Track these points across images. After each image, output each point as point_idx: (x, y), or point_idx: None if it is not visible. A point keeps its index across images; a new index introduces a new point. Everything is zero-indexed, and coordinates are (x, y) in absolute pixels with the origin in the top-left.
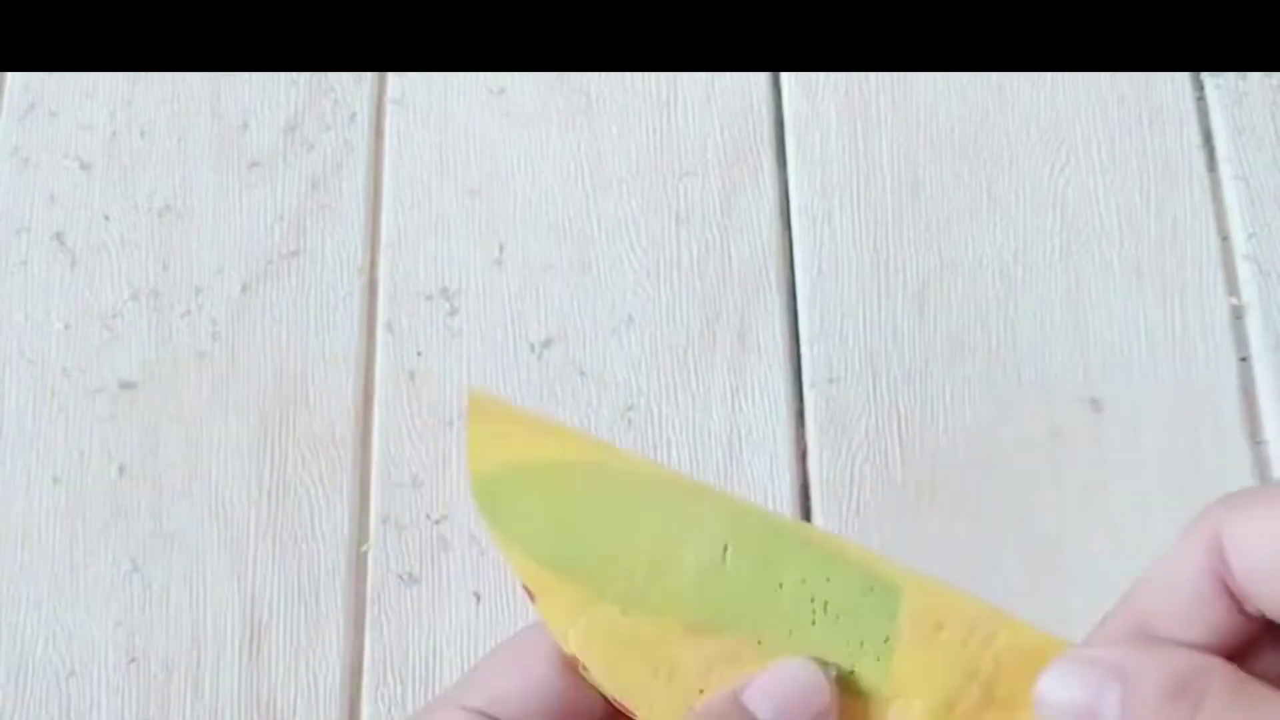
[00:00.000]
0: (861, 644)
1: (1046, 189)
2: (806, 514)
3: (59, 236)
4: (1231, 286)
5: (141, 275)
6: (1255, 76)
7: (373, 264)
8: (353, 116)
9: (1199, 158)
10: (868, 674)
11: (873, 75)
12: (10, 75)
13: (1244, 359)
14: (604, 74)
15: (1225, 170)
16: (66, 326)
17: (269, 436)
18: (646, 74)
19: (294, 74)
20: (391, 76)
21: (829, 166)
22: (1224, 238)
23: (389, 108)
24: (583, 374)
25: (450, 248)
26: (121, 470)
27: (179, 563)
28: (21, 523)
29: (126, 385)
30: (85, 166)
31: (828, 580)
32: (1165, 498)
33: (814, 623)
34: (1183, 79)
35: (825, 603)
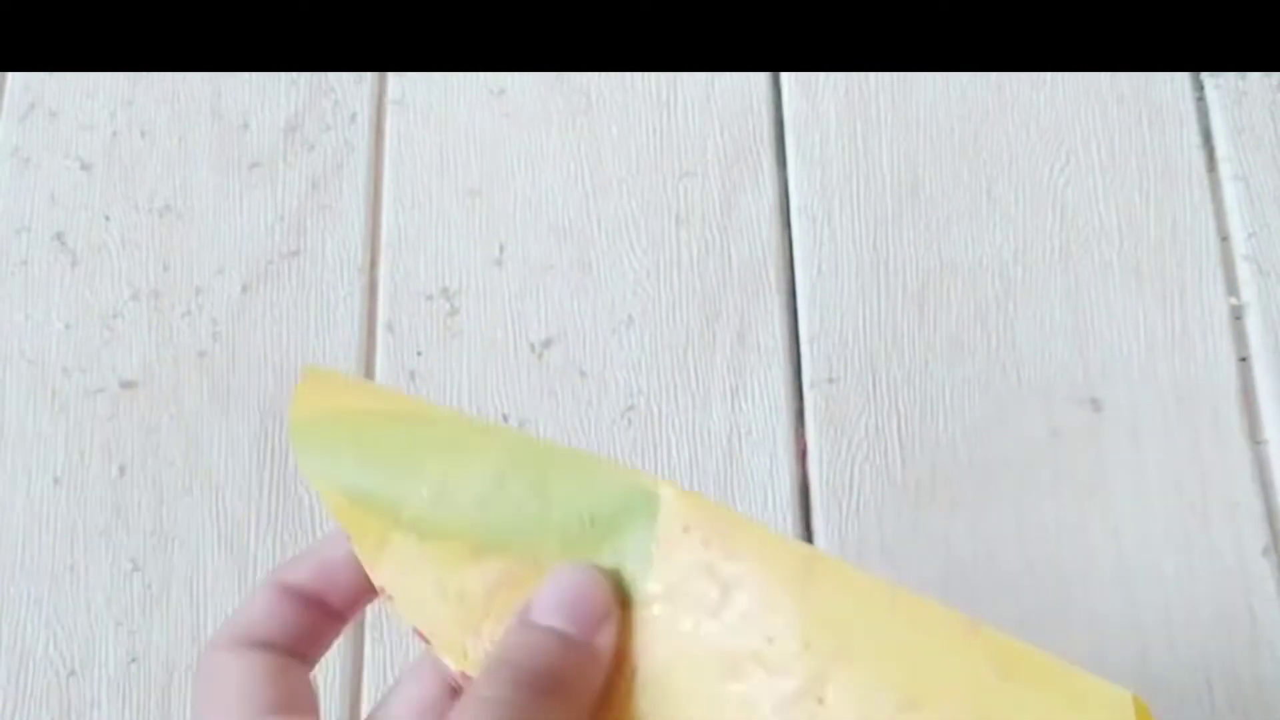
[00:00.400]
0: (627, 552)
1: (1046, 189)
2: (806, 514)
3: (59, 236)
4: (1231, 286)
5: (142, 275)
6: (1255, 76)
7: (373, 264)
8: (353, 117)
9: (1198, 158)
10: (637, 580)
11: (872, 75)
12: (10, 75)
13: (1243, 359)
14: (604, 74)
15: (1225, 170)
16: (67, 326)
17: (269, 436)
18: (646, 74)
19: (294, 74)
20: (392, 77)
21: (829, 166)
22: (1223, 238)
23: (389, 108)
24: (583, 374)
25: (450, 248)
26: (122, 470)
27: (179, 562)
28: (22, 522)
29: (127, 385)
30: (86, 166)
31: (594, 496)
32: (1165, 497)
33: (584, 536)
34: (1182, 79)
35: (592, 517)
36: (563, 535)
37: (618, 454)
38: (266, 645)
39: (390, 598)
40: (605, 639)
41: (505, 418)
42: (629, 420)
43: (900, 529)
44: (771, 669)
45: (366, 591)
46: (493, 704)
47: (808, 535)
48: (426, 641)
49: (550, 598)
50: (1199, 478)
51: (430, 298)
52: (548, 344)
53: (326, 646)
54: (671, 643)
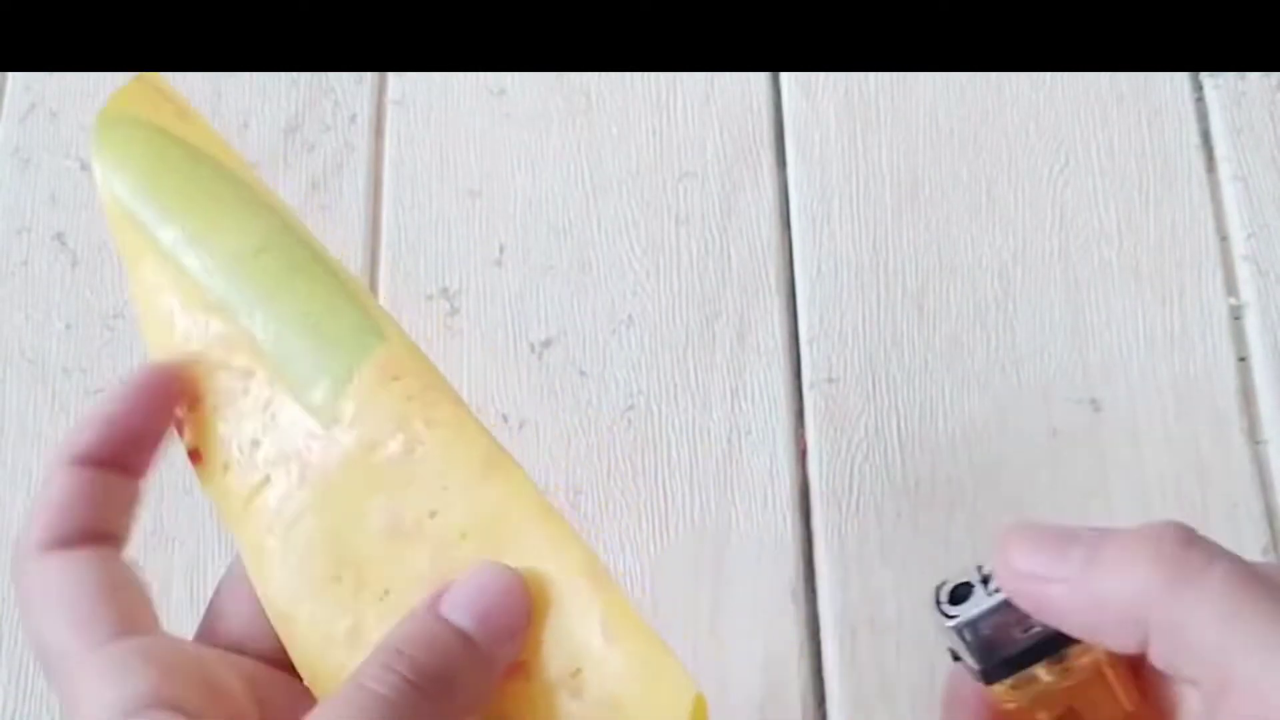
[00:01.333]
0: (325, 370)
1: (1045, 189)
2: (806, 514)
3: (60, 237)
4: (1230, 287)
5: None
6: (1254, 76)
7: (373, 264)
8: (353, 117)
9: (1198, 158)
10: (331, 394)
11: (872, 75)
12: (11, 75)
13: (1243, 359)
14: (604, 74)
15: (1224, 170)
16: (67, 326)
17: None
18: (646, 74)
19: (294, 74)
20: (392, 77)
21: (828, 167)
22: (1223, 238)
23: (389, 108)
24: (583, 374)
25: (450, 248)
26: None
27: (180, 562)
28: (23, 522)
29: None
30: (86, 167)
31: (328, 303)
32: (1164, 498)
33: (300, 329)
34: (1181, 79)
35: (317, 320)
36: (282, 324)
37: (618, 454)
38: (83, 536)
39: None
40: (510, 651)
41: (505, 418)
42: (629, 420)
43: (900, 529)
44: (430, 539)
45: (157, 440)
46: (379, 700)
47: (808, 535)
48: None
49: (467, 596)
50: (1198, 477)
51: (430, 298)
52: (548, 344)
53: (134, 517)
54: (349, 458)
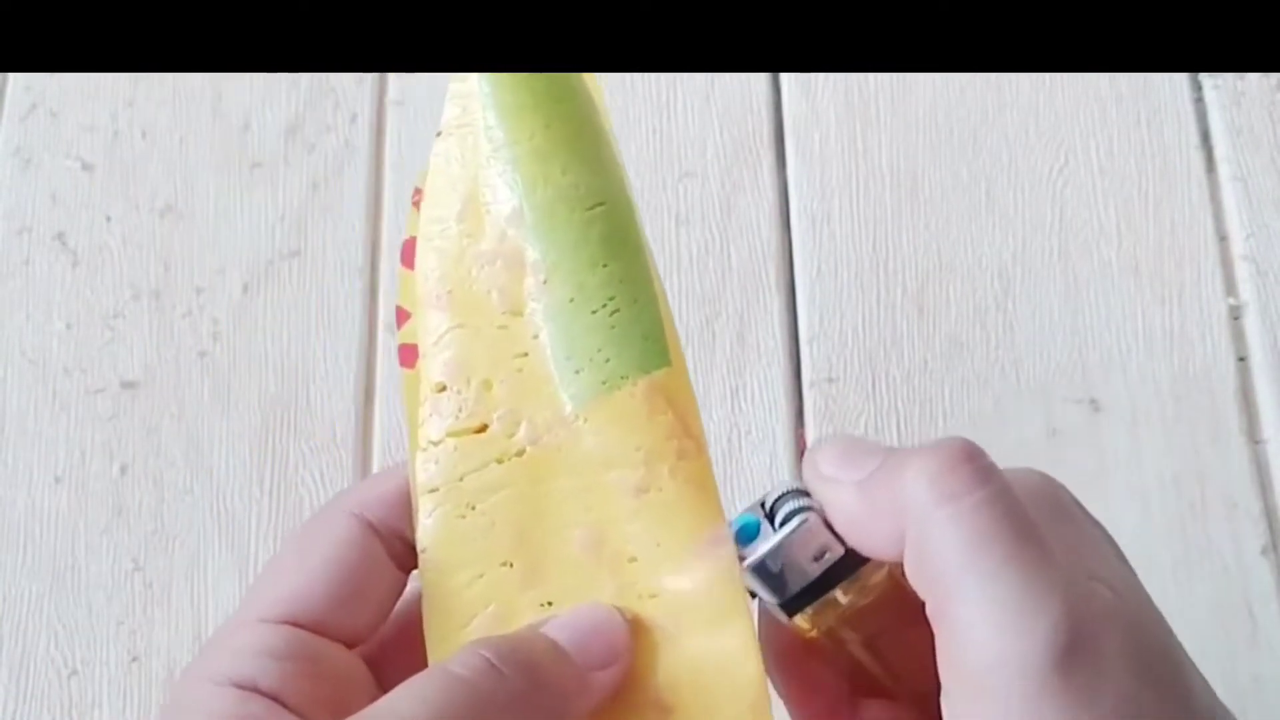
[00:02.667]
0: (600, 362)
1: (1045, 189)
2: None
3: (61, 237)
4: (1230, 287)
5: (143, 275)
6: (1253, 77)
7: (374, 264)
8: (354, 117)
9: (1197, 158)
10: (579, 387)
11: (872, 76)
12: (12, 76)
13: (1242, 359)
14: (604, 75)
15: (1223, 171)
16: (68, 326)
17: (270, 436)
18: (646, 75)
19: (295, 75)
20: (392, 77)
21: (828, 167)
22: (1222, 238)
23: (390, 109)
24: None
25: None
26: (123, 470)
27: (180, 562)
28: (24, 522)
29: (128, 385)
30: (87, 167)
31: (634, 297)
32: (1163, 497)
33: (594, 309)
34: (1181, 79)
35: (617, 309)
36: (580, 284)
37: None
38: (251, 687)
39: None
40: (601, 678)
41: None
42: None
43: None
44: (619, 580)
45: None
46: (461, 682)
47: None
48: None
49: (566, 620)
50: (1197, 477)
51: None
52: None
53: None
54: (580, 461)
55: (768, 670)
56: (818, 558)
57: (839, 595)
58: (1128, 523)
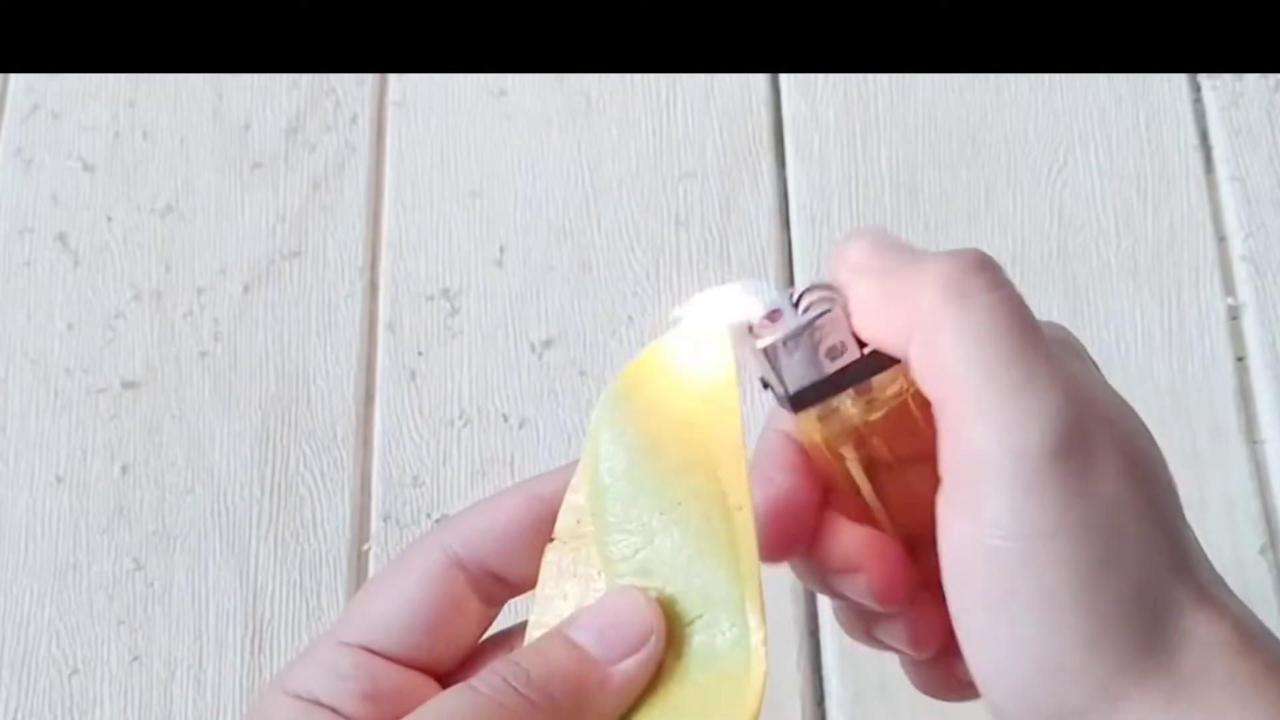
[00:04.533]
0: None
1: (1044, 190)
2: None
3: (62, 237)
4: (1228, 287)
5: (144, 276)
6: (1251, 78)
7: (374, 264)
8: (354, 118)
9: (1196, 159)
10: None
11: (871, 76)
12: (13, 77)
13: (1240, 359)
14: (604, 75)
15: (1222, 171)
16: (70, 327)
17: (271, 435)
18: (646, 75)
19: (296, 75)
20: (393, 78)
21: (828, 167)
22: (1221, 238)
23: (390, 109)
24: (583, 374)
25: (451, 248)
26: (124, 469)
27: (181, 561)
28: (25, 521)
29: (129, 385)
30: (88, 167)
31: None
32: None
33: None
34: (1179, 80)
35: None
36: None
37: None
38: (313, 700)
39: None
40: (630, 666)
41: (505, 418)
42: None
43: None
44: None
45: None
46: (479, 696)
47: None
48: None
49: (591, 615)
50: (1196, 477)
51: (431, 298)
52: (548, 344)
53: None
54: None
55: (755, 464)
56: (833, 354)
57: (848, 402)
58: None
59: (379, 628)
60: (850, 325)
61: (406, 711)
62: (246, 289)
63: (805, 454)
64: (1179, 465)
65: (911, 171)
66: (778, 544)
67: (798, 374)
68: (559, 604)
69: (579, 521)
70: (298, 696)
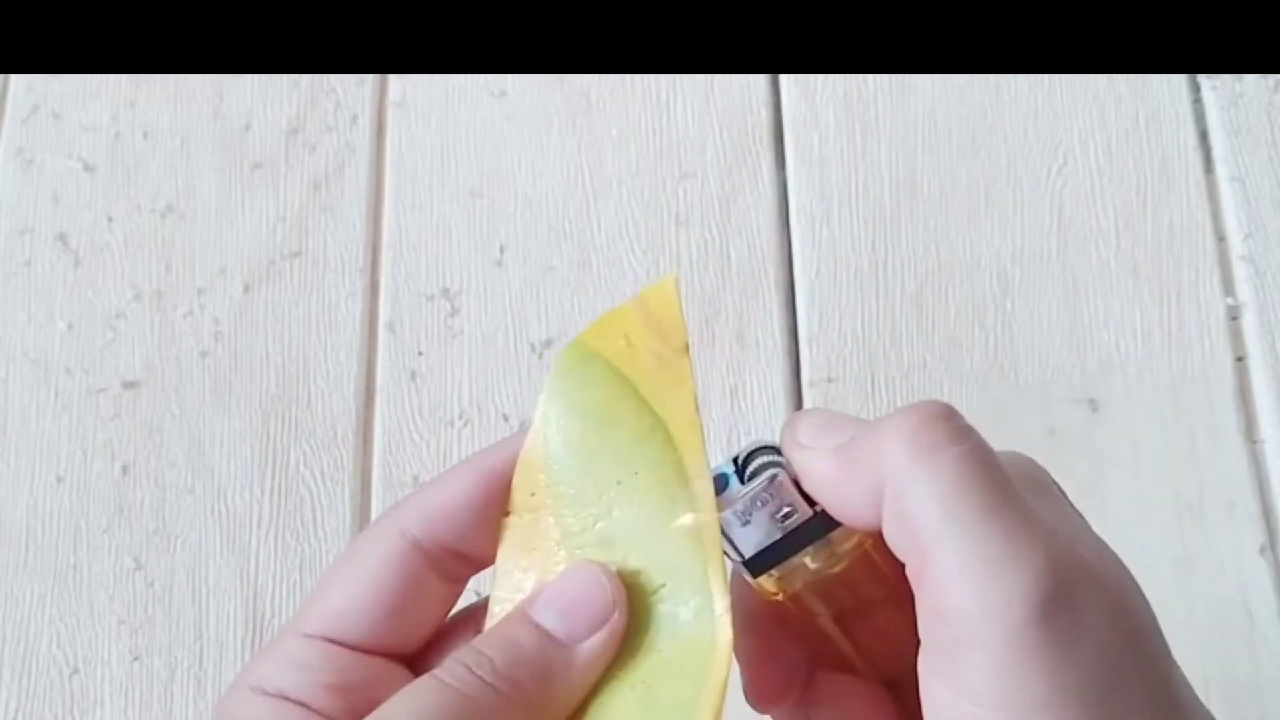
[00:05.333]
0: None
1: (1044, 190)
2: None
3: (62, 237)
4: (1228, 287)
5: (144, 276)
6: (1251, 78)
7: (374, 265)
8: (354, 118)
9: (1195, 159)
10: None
11: (871, 77)
12: (14, 77)
13: (1240, 359)
14: (604, 76)
15: (1221, 171)
16: (70, 326)
17: (271, 435)
18: (646, 76)
19: (296, 76)
20: (393, 78)
21: (827, 168)
22: (1220, 238)
23: (390, 109)
24: None
25: (451, 249)
26: (125, 469)
27: (182, 561)
28: (25, 521)
29: (130, 385)
30: (89, 168)
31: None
32: (1161, 497)
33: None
34: (1179, 80)
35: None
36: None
37: None
38: (280, 695)
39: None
40: (594, 643)
41: (505, 418)
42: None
43: None
44: None
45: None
46: (452, 693)
47: None
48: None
49: (552, 594)
50: (1196, 477)
51: (431, 298)
52: (548, 344)
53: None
54: None
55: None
56: (784, 517)
57: (807, 560)
58: (1126, 522)
59: (341, 617)
60: (796, 487)
61: (376, 701)
62: (247, 289)
63: (777, 621)
64: (1178, 466)
65: (911, 171)
66: (770, 694)
67: (751, 540)
68: (518, 577)
69: (533, 494)
70: (264, 693)
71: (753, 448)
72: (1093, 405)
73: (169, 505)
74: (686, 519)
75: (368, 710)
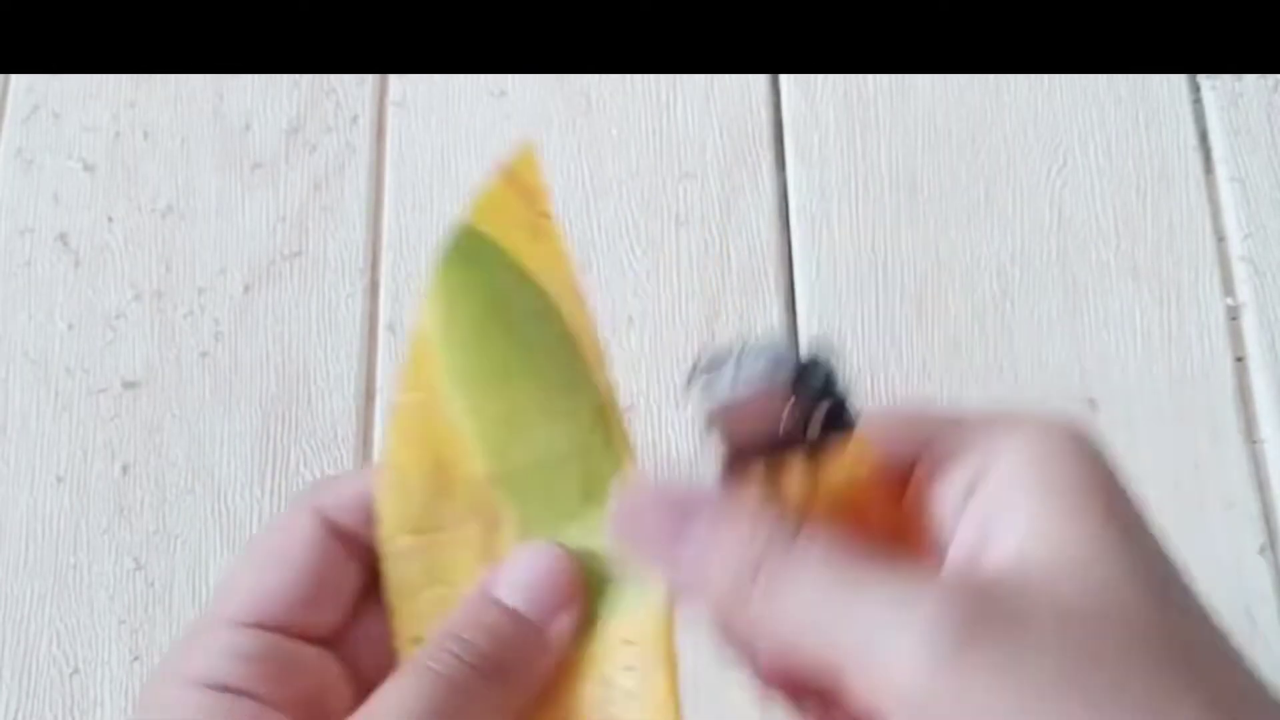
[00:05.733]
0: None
1: (1044, 190)
2: None
3: (63, 237)
4: (1227, 287)
5: (145, 276)
6: (1251, 78)
7: (374, 265)
8: (354, 118)
9: (1195, 159)
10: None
11: (871, 77)
12: (14, 77)
13: (1239, 359)
14: (604, 76)
15: (1221, 171)
16: (70, 327)
17: (271, 435)
18: (646, 76)
19: (296, 76)
20: (393, 78)
21: (827, 168)
22: (1220, 238)
23: (390, 109)
24: None
25: None
26: (125, 469)
27: (182, 561)
28: (26, 521)
29: (130, 385)
30: (89, 168)
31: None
32: (1161, 497)
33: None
34: (1179, 81)
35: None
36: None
37: None
38: (221, 687)
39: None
40: (561, 625)
41: None
42: (629, 420)
43: None
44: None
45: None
46: (440, 679)
47: None
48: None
49: (514, 575)
50: (1195, 477)
51: None
52: None
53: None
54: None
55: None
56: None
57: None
58: None
59: (266, 601)
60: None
61: (317, 687)
62: (247, 289)
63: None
64: (1178, 465)
65: (911, 172)
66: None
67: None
68: (455, 552)
69: (424, 375)
70: (205, 685)
71: (815, 358)
72: (1092, 405)
73: (169, 505)
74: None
75: (310, 697)
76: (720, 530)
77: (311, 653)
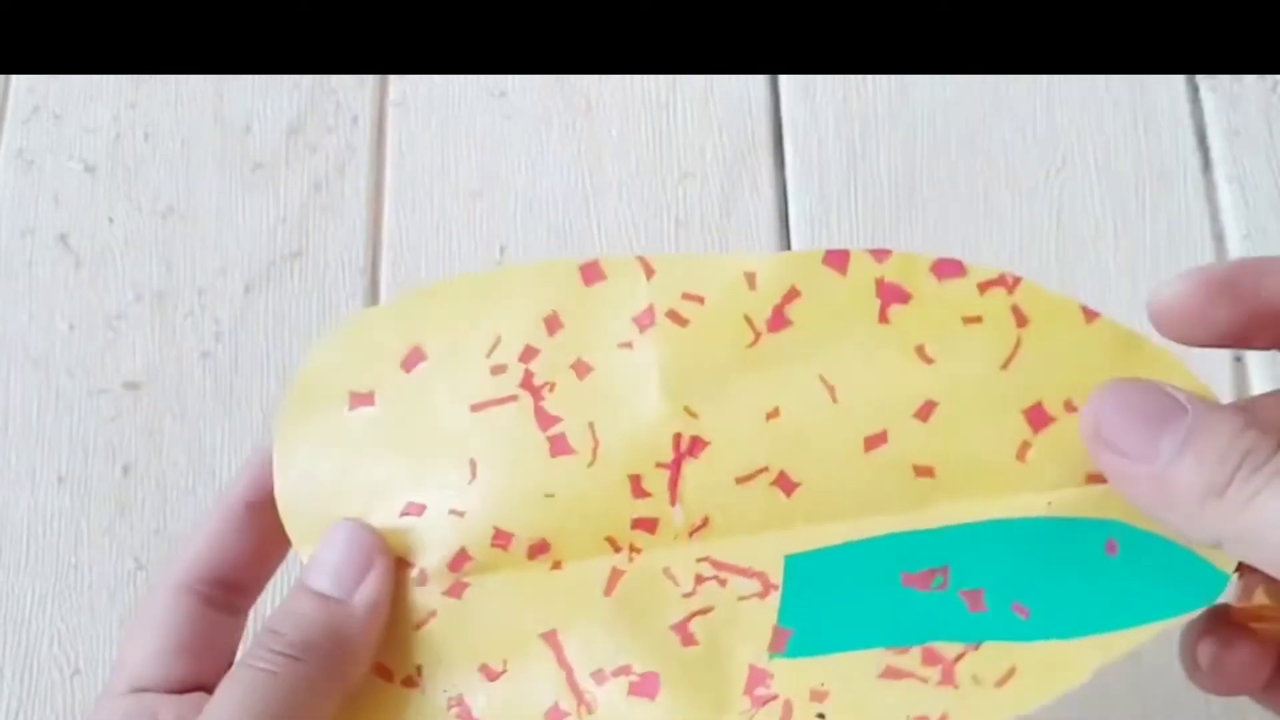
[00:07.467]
0: None
1: (1042, 192)
2: None
3: (63, 238)
4: None
5: (145, 276)
6: (1250, 79)
7: (374, 265)
8: (355, 119)
9: (1194, 160)
10: None
11: (870, 78)
12: (14, 78)
13: (1238, 359)
14: (604, 76)
15: (1220, 172)
16: (71, 327)
17: (272, 435)
18: (646, 76)
19: (296, 76)
20: (393, 79)
21: (827, 169)
22: (1219, 240)
23: (390, 110)
24: None
25: (451, 249)
26: (126, 470)
27: None
28: (26, 522)
29: (131, 385)
30: (89, 168)
31: None
32: None
33: None
34: (1177, 81)
35: None
36: None
37: None
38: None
39: None
40: (367, 593)
41: None
42: None
43: None
44: None
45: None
46: (262, 675)
47: None
48: None
49: (319, 559)
50: None
51: None
52: None
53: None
54: None
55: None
56: None
57: None
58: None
59: (142, 667)
60: None
61: None
62: (248, 289)
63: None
64: None
65: (910, 173)
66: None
67: None
68: None
69: None
70: None
71: None
72: None
73: (170, 506)
74: None
75: None
76: (1197, 438)
77: (196, 702)
